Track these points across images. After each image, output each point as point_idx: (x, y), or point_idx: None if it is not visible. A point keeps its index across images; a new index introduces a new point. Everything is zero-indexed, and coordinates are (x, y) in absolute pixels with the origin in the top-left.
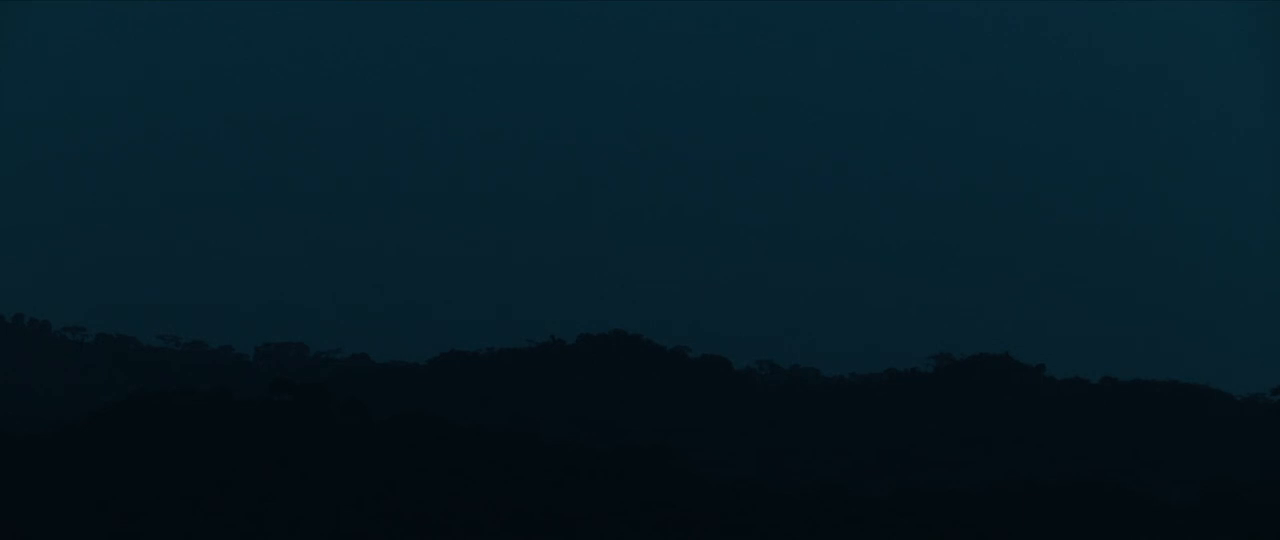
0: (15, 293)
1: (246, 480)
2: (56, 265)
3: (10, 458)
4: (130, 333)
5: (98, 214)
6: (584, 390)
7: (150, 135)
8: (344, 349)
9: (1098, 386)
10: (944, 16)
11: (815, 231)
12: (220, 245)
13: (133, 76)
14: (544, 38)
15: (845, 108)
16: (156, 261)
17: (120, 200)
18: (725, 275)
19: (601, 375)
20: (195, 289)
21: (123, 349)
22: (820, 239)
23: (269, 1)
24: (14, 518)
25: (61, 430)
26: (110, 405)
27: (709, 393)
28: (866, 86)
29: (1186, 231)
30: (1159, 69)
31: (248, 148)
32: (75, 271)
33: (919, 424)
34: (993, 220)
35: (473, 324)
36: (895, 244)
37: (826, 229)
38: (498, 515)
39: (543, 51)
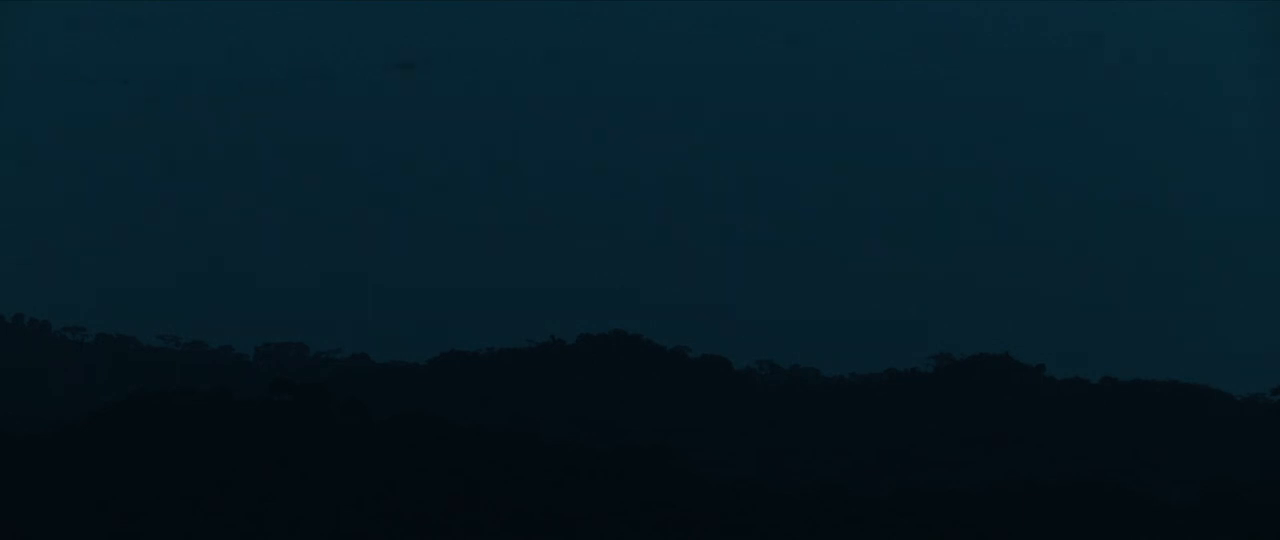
0: (15, 293)
1: (246, 480)
2: (57, 266)
3: (10, 458)
4: (130, 333)
5: (98, 214)
6: (584, 390)
7: (151, 136)
8: (344, 349)
9: (1098, 386)
10: (944, 16)
11: (816, 231)
12: (220, 245)
13: (134, 77)
14: (544, 39)
15: (841, 109)
16: (157, 262)
17: (121, 201)
18: (726, 274)
19: (601, 375)
20: (195, 289)
21: (123, 349)
22: (821, 238)
23: (271, 2)
24: (14, 518)
25: (61, 430)
26: (110, 405)
27: (709, 393)
28: (865, 86)
29: (1187, 231)
30: (1159, 68)
31: (248, 149)
32: (75, 272)
33: (919, 424)
34: (993, 220)
35: (473, 324)
36: (896, 243)
37: (828, 228)
38: (498, 515)
39: (542, 51)
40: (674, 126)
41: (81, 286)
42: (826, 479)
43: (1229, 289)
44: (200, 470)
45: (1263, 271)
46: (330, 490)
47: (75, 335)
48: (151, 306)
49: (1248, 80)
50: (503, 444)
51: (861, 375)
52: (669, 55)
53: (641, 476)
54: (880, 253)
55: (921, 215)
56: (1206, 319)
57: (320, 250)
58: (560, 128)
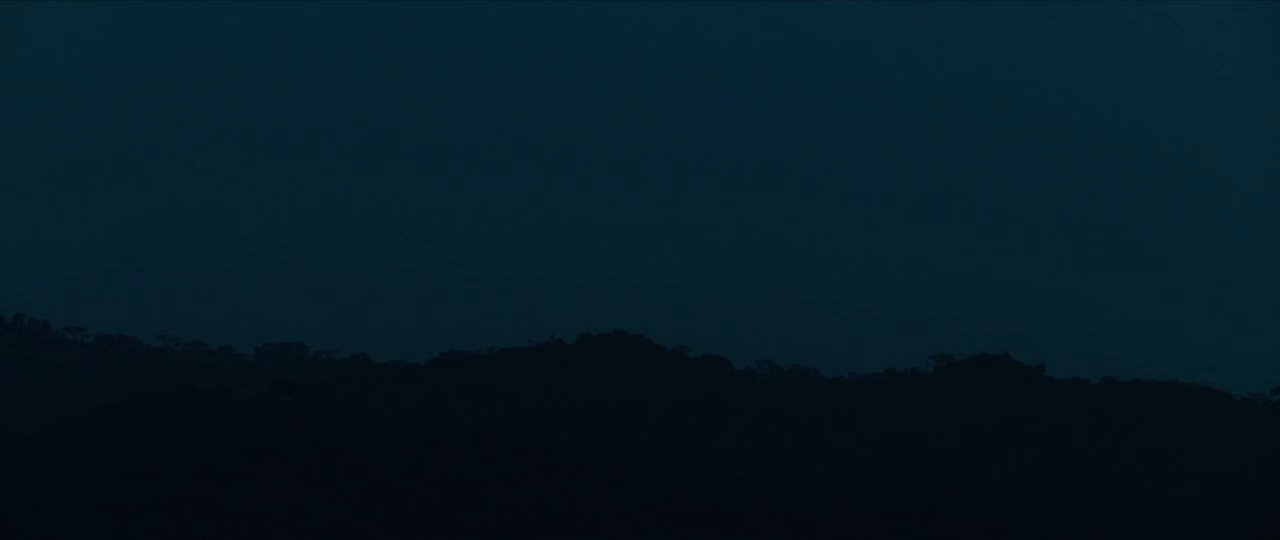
0: (15, 293)
1: (246, 480)
2: (57, 265)
3: (10, 458)
4: (130, 333)
5: (99, 214)
6: (584, 390)
7: (151, 135)
8: (344, 349)
9: (1098, 386)
10: (946, 12)
11: (818, 230)
12: (220, 245)
13: (134, 77)
14: (542, 42)
15: (841, 109)
16: (157, 262)
17: (120, 200)
18: (725, 274)
19: (601, 375)
20: (195, 289)
21: (123, 349)
22: (822, 238)
23: (273, 4)
24: (14, 518)
25: (61, 430)
26: (110, 405)
27: (709, 393)
28: (862, 87)
29: (1186, 231)
30: (1159, 69)
31: (249, 149)
32: (75, 271)
33: (919, 424)
34: (993, 220)
35: (473, 324)
36: (896, 242)
37: (829, 227)
38: (498, 515)
39: (546, 55)
40: (675, 124)
41: (81, 286)
42: (826, 479)
43: (1229, 289)
44: (200, 470)
45: (1263, 271)
46: (330, 490)
47: (75, 335)
48: (151, 306)
49: (1248, 80)
50: (503, 444)
51: (861, 375)
52: (669, 50)
53: (641, 476)
54: (881, 252)
55: (922, 214)
56: (1206, 319)
57: (320, 249)
58: (559, 127)
